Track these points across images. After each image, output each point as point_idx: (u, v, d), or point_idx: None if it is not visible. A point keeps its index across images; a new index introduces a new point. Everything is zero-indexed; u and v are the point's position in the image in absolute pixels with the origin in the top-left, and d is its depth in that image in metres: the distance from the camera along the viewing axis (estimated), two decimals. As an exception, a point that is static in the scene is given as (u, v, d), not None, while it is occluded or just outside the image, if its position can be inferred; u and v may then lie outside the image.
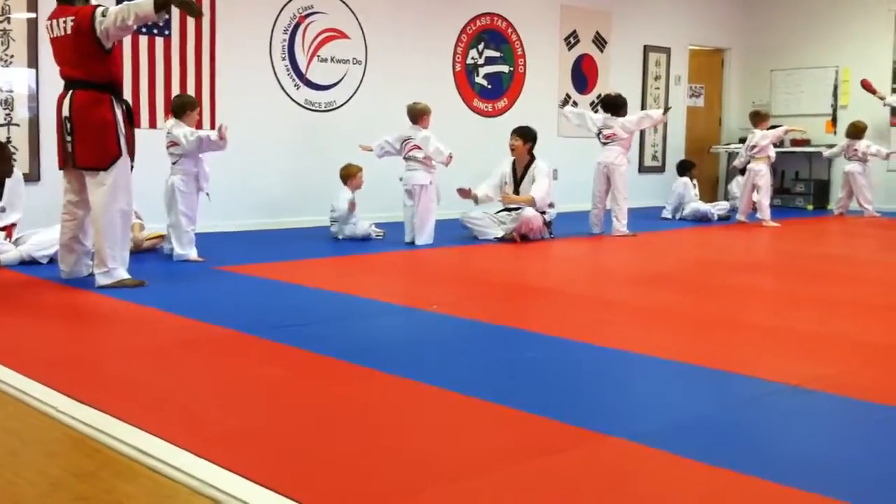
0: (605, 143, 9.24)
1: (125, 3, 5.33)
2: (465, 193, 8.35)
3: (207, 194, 6.94)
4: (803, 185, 13.00)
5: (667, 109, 10.12)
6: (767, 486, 2.51)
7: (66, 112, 5.49)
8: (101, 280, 5.50)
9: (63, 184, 5.78)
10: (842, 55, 12.77)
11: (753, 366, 3.90)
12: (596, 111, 10.49)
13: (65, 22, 5.39)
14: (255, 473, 2.47)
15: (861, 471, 2.69)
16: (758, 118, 10.78)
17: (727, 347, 4.39)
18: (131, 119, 5.66)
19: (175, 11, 8.20)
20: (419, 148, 8.05)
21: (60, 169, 5.72)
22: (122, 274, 5.57)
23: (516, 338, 4.51)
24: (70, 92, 5.49)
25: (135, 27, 5.48)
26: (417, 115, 8.15)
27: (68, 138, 5.50)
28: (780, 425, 3.17)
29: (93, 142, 5.45)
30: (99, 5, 5.43)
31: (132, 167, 5.66)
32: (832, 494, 2.43)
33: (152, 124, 8.19)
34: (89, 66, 5.41)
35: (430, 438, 2.90)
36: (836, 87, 12.88)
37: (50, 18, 5.55)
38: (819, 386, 3.58)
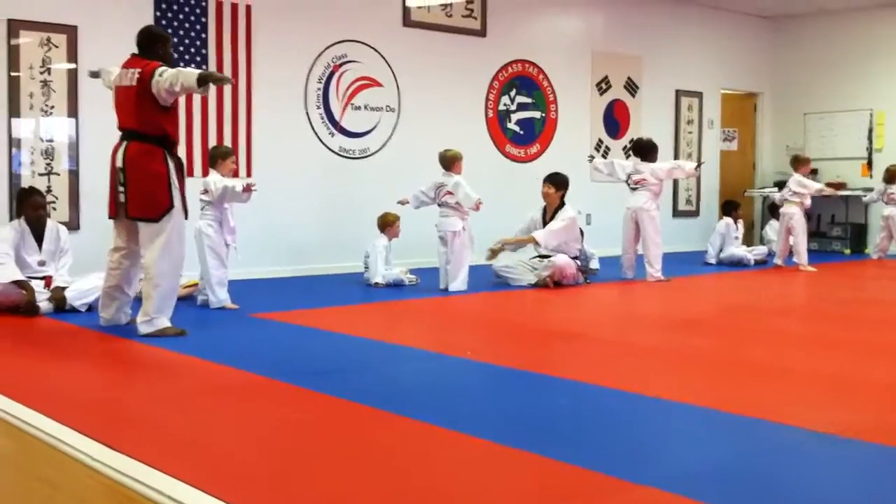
0: (633, 189, 9.25)
1: (178, 69, 5.53)
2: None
3: (235, 248, 7.01)
4: (840, 228, 12.90)
5: (699, 164, 10.10)
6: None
7: (119, 162, 5.61)
8: (144, 328, 5.55)
9: (113, 233, 5.86)
10: (875, 98, 12.70)
11: (782, 412, 3.87)
12: (628, 156, 10.51)
13: (132, 73, 5.55)
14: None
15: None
16: (797, 162, 10.72)
17: (757, 393, 4.35)
18: (183, 173, 5.76)
19: (213, 64, 8.39)
20: (451, 194, 8.10)
21: (111, 218, 5.80)
22: (164, 322, 5.59)
23: (545, 384, 4.51)
24: (125, 143, 5.63)
25: (181, 94, 5.63)
26: (449, 161, 8.20)
27: (121, 188, 5.61)
28: (808, 473, 3.14)
29: (145, 193, 5.55)
30: (162, 64, 5.55)
31: (186, 218, 5.76)
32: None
33: (190, 173, 8.31)
34: (146, 118, 5.55)
35: (458, 485, 2.91)
36: (870, 131, 12.81)
37: (123, 66, 5.69)
38: (849, 433, 3.54)
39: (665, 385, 4.41)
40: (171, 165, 5.64)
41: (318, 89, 9.22)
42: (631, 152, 9.92)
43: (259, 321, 6.32)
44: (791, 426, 3.64)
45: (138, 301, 5.77)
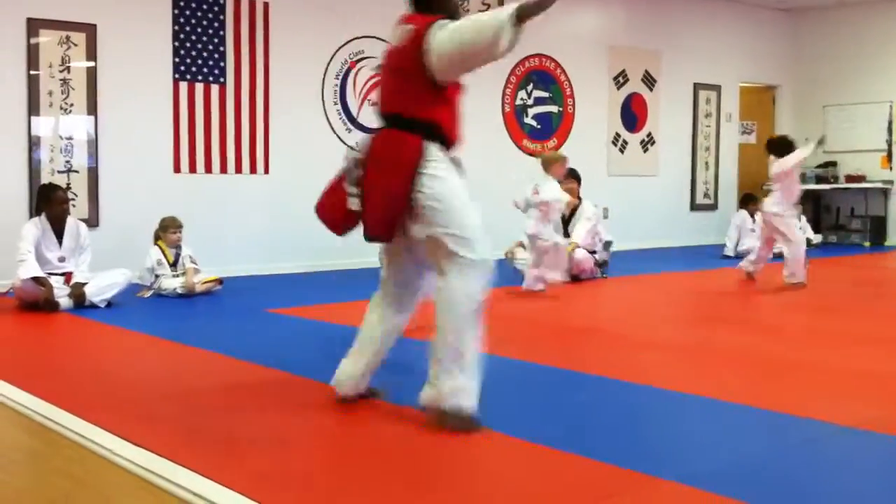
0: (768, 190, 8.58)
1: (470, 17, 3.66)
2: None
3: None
4: (859, 221, 12.81)
5: (820, 142, 9.04)
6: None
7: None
8: (461, 401, 3.46)
9: (383, 266, 4.15)
10: (895, 90, 12.61)
11: (808, 406, 3.85)
12: (646, 150, 10.44)
13: (406, 30, 3.73)
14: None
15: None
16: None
17: (782, 388, 4.32)
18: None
19: (230, 62, 8.41)
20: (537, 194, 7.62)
21: (373, 240, 3.87)
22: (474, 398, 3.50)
23: (566, 379, 4.50)
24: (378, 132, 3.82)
25: (475, 60, 3.64)
26: (548, 163, 7.76)
27: (355, 191, 3.90)
28: (835, 468, 3.12)
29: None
30: (447, 16, 3.72)
31: None
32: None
33: (208, 169, 8.36)
34: (411, 97, 3.68)
35: (482, 483, 2.90)
36: (890, 122, 12.71)
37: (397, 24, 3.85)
38: (876, 427, 3.52)
39: (688, 380, 4.39)
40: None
41: (336, 86, 9.22)
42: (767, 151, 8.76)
43: (278, 317, 6.33)
44: (818, 420, 3.62)
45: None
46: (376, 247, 8.67)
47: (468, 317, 3.59)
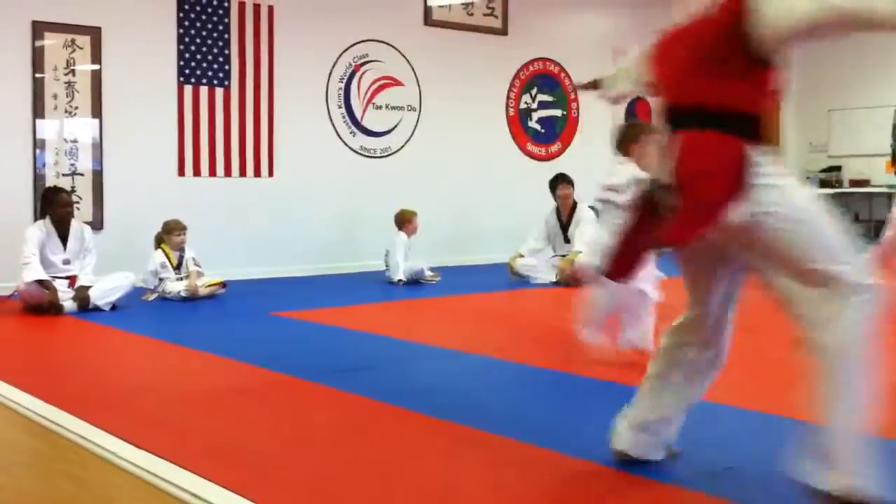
0: None
1: None
2: None
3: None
4: (864, 226, 12.78)
5: None
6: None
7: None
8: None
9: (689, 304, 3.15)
10: (901, 92, 12.59)
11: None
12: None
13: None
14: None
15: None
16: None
17: (782, 391, 4.32)
18: None
19: (235, 65, 8.43)
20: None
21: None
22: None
23: (568, 382, 4.50)
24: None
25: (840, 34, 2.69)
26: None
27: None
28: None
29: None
30: None
31: None
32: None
33: (212, 173, 8.37)
34: (720, 84, 2.74)
35: (484, 485, 2.90)
36: (894, 126, 12.68)
37: None
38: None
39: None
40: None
41: (340, 89, 9.24)
42: None
43: (281, 320, 6.34)
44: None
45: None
46: (379, 250, 8.65)
47: (855, 370, 2.55)
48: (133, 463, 2.99)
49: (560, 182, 8.75)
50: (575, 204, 8.67)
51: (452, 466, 3.10)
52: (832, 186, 12.79)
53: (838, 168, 12.95)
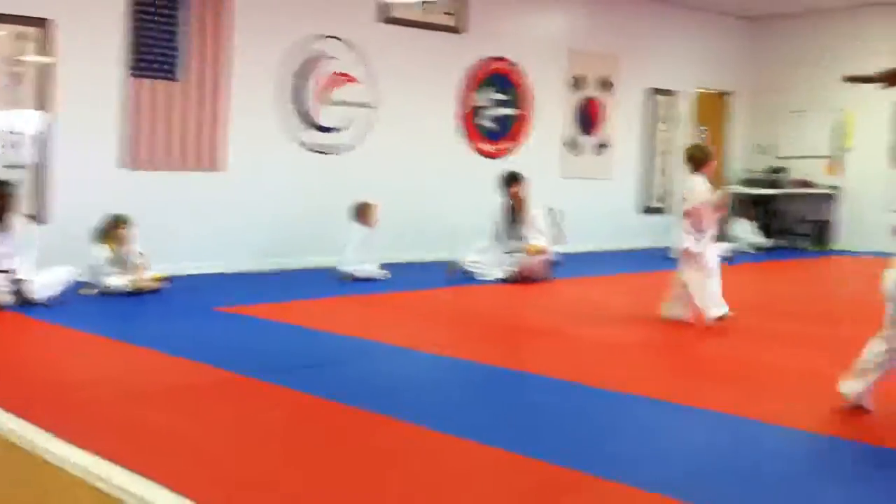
0: None
1: None
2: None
3: None
4: (806, 226, 13.02)
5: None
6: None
7: None
8: None
9: None
10: (846, 98, 12.80)
11: (745, 407, 3.92)
12: (600, 153, 10.45)
13: None
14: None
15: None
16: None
17: (724, 389, 4.39)
18: None
19: (188, 59, 8.34)
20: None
21: None
22: None
23: (520, 380, 4.54)
24: None
25: None
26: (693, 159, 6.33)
27: None
28: (779, 468, 3.19)
29: None
30: None
31: None
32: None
33: (162, 166, 8.28)
34: None
35: (434, 483, 2.93)
36: (839, 130, 12.92)
37: None
38: (814, 428, 3.60)
39: (632, 379, 4.46)
40: None
41: (294, 85, 9.18)
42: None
43: (225, 315, 6.30)
44: (757, 421, 3.70)
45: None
46: (333, 245, 8.65)
47: None
48: (76, 464, 2.96)
49: (512, 180, 8.83)
50: (525, 201, 8.74)
51: (404, 466, 3.12)
52: (777, 187, 13.01)
53: (784, 169, 13.17)
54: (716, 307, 6.00)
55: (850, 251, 11.93)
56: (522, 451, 3.21)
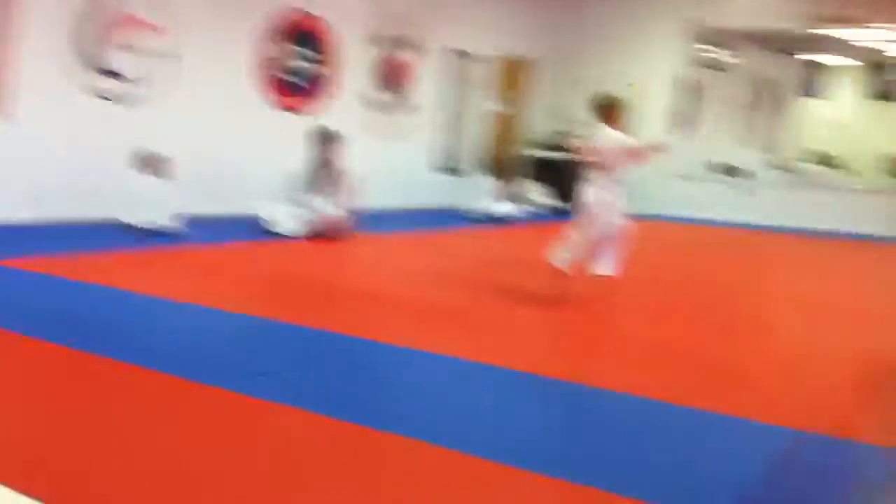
0: None
1: None
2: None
3: None
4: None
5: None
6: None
7: None
8: None
9: None
10: (637, 65, 13.43)
11: (541, 364, 4.08)
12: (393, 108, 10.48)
13: None
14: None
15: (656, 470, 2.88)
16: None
17: (524, 347, 4.55)
18: None
19: None
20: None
21: None
22: None
23: (314, 338, 4.53)
24: None
25: None
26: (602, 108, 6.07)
27: None
28: (608, 434, 3.33)
29: None
30: None
31: None
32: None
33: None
34: None
35: (205, 442, 2.89)
36: (631, 101, 13.51)
37: None
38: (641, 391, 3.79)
39: (419, 337, 4.54)
40: None
41: (85, 29, 8.69)
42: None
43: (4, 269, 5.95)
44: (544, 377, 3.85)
45: None
46: (118, 198, 8.29)
47: None
48: None
49: (322, 136, 8.76)
50: (337, 159, 8.71)
51: (189, 427, 3.06)
52: (570, 152, 13.51)
53: (579, 136, 13.65)
54: (562, 258, 5.86)
55: (637, 214, 12.55)
56: (319, 410, 3.23)
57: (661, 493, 2.66)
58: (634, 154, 5.82)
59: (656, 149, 5.77)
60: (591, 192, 5.78)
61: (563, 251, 5.83)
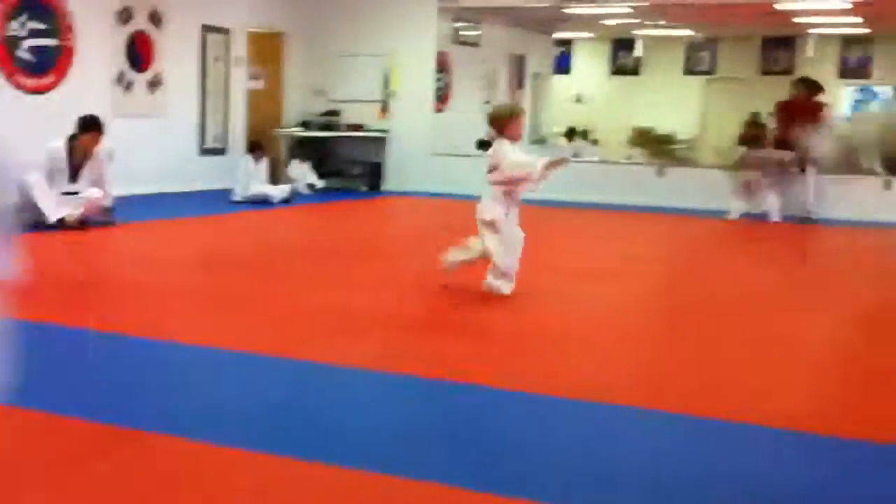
0: None
1: None
2: None
3: None
4: (359, 167, 13.59)
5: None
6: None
7: None
8: None
9: None
10: (393, 42, 13.49)
11: (300, 347, 4.02)
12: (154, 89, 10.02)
13: None
14: None
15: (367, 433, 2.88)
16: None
17: (287, 330, 4.46)
18: None
19: None
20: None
21: None
22: None
23: (69, 336, 4.25)
24: None
25: None
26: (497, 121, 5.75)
27: None
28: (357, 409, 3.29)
29: None
30: None
31: None
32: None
33: None
34: None
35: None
36: (386, 75, 13.60)
37: None
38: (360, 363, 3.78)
39: (188, 327, 4.37)
40: None
41: None
42: None
43: None
44: (299, 360, 3.79)
45: None
46: None
47: None
48: None
49: (87, 126, 8.26)
50: (94, 147, 8.24)
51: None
52: (331, 130, 13.44)
53: (337, 112, 13.62)
54: (453, 261, 5.72)
55: (398, 192, 12.70)
56: (62, 411, 3.04)
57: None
58: (530, 178, 5.48)
59: (556, 165, 5.60)
60: (496, 210, 5.51)
61: (458, 254, 5.68)
